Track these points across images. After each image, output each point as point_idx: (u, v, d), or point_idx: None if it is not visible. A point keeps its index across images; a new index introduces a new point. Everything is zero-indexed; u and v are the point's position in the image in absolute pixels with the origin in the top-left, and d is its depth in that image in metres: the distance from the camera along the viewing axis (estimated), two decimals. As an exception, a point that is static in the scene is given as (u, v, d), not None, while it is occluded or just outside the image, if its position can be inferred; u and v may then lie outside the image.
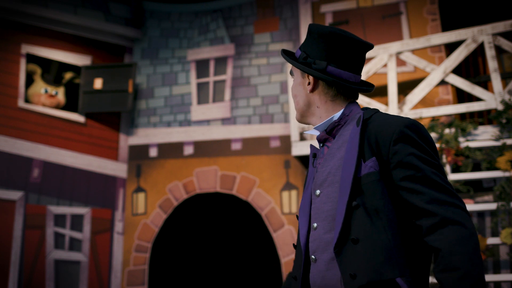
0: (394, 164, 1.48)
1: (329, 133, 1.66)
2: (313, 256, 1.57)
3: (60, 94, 6.30)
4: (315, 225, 1.59)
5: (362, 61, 1.68)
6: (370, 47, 1.69)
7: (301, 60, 1.67)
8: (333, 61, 1.63)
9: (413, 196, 1.45)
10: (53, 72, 6.32)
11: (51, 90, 6.23)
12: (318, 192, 1.61)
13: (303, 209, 1.67)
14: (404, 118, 1.53)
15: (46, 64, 6.31)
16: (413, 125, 1.51)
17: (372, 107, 5.07)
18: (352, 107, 1.67)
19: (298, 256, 1.66)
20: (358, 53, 1.66)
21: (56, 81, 6.34)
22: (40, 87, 6.19)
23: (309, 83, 1.68)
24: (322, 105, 1.68)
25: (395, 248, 1.44)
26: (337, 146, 1.61)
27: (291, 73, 1.75)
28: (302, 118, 1.75)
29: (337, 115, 1.65)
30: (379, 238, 1.45)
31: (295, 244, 1.72)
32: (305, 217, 1.65)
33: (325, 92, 1.67)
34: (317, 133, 1.70)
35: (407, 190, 1.46)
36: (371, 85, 1.72)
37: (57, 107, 6.25)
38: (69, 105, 6.38)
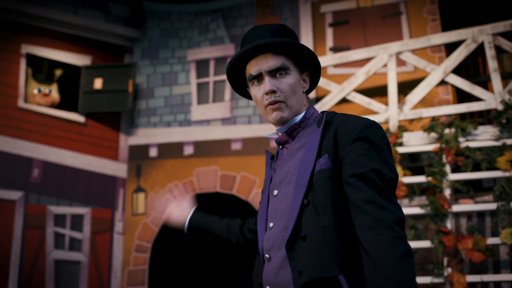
0: (346, 161, 1.47)
1: (289, 135, 1.64)
2: (267, 255, 1.57)
3: (54, 91, 6.29)
4: (271, 224, 1.58)
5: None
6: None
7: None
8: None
9: (353, 193, 1.43)
10: (44, 70, 6.32)
11: (44, 88, 6.23)
12: (275, 192, 1.60)
13: (260, 211, 1.66)
14: (364, 119, 1.51)
15: (36, 63, 6.31)
16: (371, 125, 1.49)
17: (371, 107, 5.07)
18: (312, 110, 1.67)
19: (259, 261, 1.65)
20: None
21: (47, 79, 6.33)
22: (33, 87, 6.18)
23: (304, 81, 1.68)
24: (306, 105, 1.69)
25: (340, 245, 1.43)
26: (296, 147, 1.61)
27: (283, 68, 1.62)
28: (290, 119, 1.64)
29: (298, 117, 1.64)
30: (325, 235, 1.44)
31: (257, 250, 1.71)
32: (262, 219, 1.63)
33: (305, 91, 1.70)
34: (275, 136, 1.70)
35: (351, 186, 1.44)
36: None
37: (53, 105, 6.24)
38: (64, 102, 6.38)
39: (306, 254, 1.45)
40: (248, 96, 1.79)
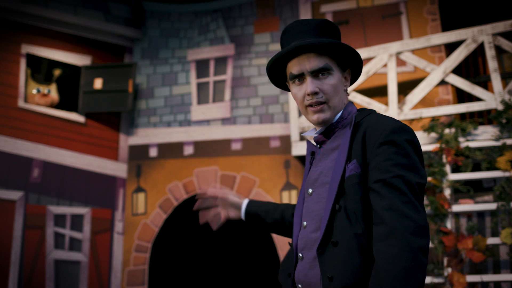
0: (372, 166, 1.44)
1: (325, 135, 1.62)
2: (300, 254, 1.57)
3: (53, 91, 6.29)
4: (305, 223, 1.58)
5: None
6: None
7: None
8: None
9: (376, 200, 1.41)
10: (43, 70, 6.32)
11: (44, 89, 6.23)
12: (310, 191, 1.59)
13: (297, 207, 1.67)
14: (393, 122, 1.47)
15: (36, 63, 6.31)
16: (401, 129, 1.45)
17: (371, 107, 5.07)
18: (351, 108, 1.63)
19: (291, 254, 1.66)
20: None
21: (46, 79, 6.33)
22: (32, 88, 6.19)
23: (345, 79, 1.64)
24: (343, 104, 1.64)
25: (371, 254, 1.42)
26: (331, 147, 1.59)
27: (325, 68, 1.57)
28: (327, 122, 1.61)
29: (336, 117, 1.61)
30: (357, 242, 1.43)
31: (289, 242, 1.72)
32: (298, 215, 1.64)
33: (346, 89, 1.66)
34: (313, 134, 1.67)
35: (375, 192, 1.42)
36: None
37: (52, 105, 6.25)
38: (64, 102, 6.38)
39: (337, 260, 1.44)
40: (286, 88, 1.75)
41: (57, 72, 6.40)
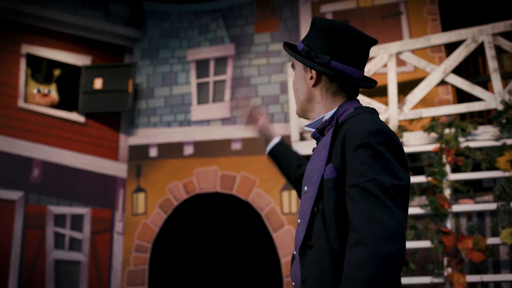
0: (348, 171, 1.42)
1: (320, 132, 1.62)
2: (294, 252, 1.59)
3: (53, 91, 6.29)
4: (298, 221, 1.60)
5: (365, 57, 1.63)
6: (374, 42, 1.63)
7: (303, 54, 1.62)
8: (337, 55, 1.57)
9: (350, 205, 1.39)
10: (43, 70, 6.32)
11: (44, 89, 6.23)
12: (305, 188, 1.60)
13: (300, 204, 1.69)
14: (373, 124, 1.44)
15: (36, 63, 6.31)
16: (378, 131, 1.41)
17: (371, 107, 5.06)
18: (347, 106, 1.61)
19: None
20: (362, 48, 1.60)
21: (46, 79, 6.33)
22: (32, 87, 6.19)
23: (311, 78, 1.63)
24: (322, 101, 1.63)
25: (342, 260, 1.41)
26: (322, 145, 1.58)
27: (293, 66, 1.70)
28: (302, 112, 1.70)
29: (329, 114, 1.61)
30: (329, 247, 1.42)
31: None
32: (298, 212, 1.66)
33: (327, 87, 1.62)
34: (312, 130, 1.68)
35: (349, 197, 1.39)
36: (374, 81, 1.65)
37: (52, 105, 6.25)
38: (63, 102, 6.38)
39: (311, 263, 1.45)
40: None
41: (57, 72, 6.40)
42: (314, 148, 1.67)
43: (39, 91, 6.17)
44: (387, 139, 1.41)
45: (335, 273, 1.39)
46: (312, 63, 1.59)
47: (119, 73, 6.38)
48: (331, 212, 1.44)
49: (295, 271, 1.55)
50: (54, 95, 6.30)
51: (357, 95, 1.66)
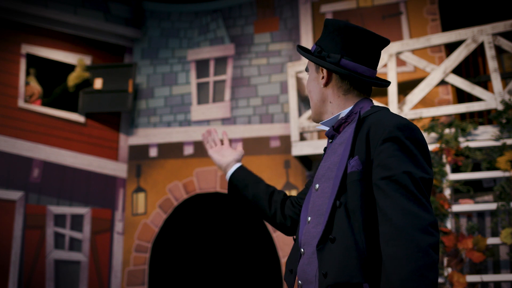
0: (376, 164, 1.44)
1: (336, 130, 1.63)
2: (302, 249, 1.58)
3: (33, 83, 6.23)
4: (309, 218, 1.59)
5: (377, 56, 1.64)
6: (387, 42, 1.64)
7: (315, 54, 1.65)
8: (348, 54, 1.59)
9: (381, 198, 1.40)
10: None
11: (30, 81, 6.22)
12: (317, 186, 1.60)
13: (305, 203, 1.67)
14: (399, 119, 1.47)
15: (40, 64, 6.32)
16: (405, 126, 1.45)
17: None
18: (362, 104, 1.62)
19: (295, 249, 1.67)
20: (373, 47, 1.62)
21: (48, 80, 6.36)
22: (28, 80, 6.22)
23: (322, 77, 1.65)
24: (334, 100, 1.64)
25: (367, 252, 1.42)
26: (339, 142, 1.60)
27: (307, 69, 1.73)
28: (317, 116, 1.69)
29: (345, 111, 1.62)
30: (353, 240, 1.43)
31: (294, 237, 1.73)
32: (304, 210, 1.65)
33: (338, 86, 1.63)
34: (326, 128, 1.68)
35: (380, 190, 1.41)
36: (387, 81, 1.66)
37: (33, 96, 6.18)
38: (64, 102, 6.40)
39: (333, 256, 1.44)
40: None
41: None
42: (326, 147, 1.69)
43: (27, 83, 6.15)
44: (414, 134, 1.44)
45: (361, 265, 1.40)
46: (323, 61, 1.61)
47: (119, 73, 6.38)
48: (357, 205, 1.44)
49: (305, 268, 1.54)
50: (34, 85, 6.22)
51: (370, 94, 1.67)
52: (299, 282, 1.57)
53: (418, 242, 1.31)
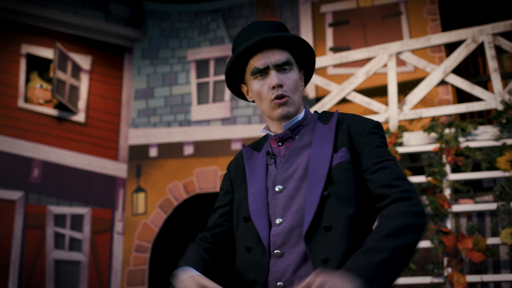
0: (364, 152, 1.55)
1: (292, 132, 1.64)
2: (278, 251, 1.53)
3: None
4: (278, 221, 1.56)
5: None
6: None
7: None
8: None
9: (383, 174, 1.50)
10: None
11: (46, 86, 6.23)
12: (279, 188, 1.59)
13: (255, 207, 1.61)
14: (372, 119, 1.63)
15: (41, 64, 6.31)
16: (380, 126, 1.63)
17: (371, 107, 5.07)
18: (307, 110, 1.71)
19: (255, 257, 1.59)
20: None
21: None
22: (35, 83, 6.19)
23: (300, 78, 1.68)
24: (301, 104, 1.70)
25: (366, 234, 1.48)
26: (300, 145, 1.62)
27: (288, 63, 1.62)
28: (290, 117, 1.65)
29: (301, 115, 1.66)
30: (353, 224, 1.48)
31: (247, 246, 1.63)
32: (262, 215, 1.59)
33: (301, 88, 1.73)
34: (269, 132, 1.69)
35: (378, 170, 1.51)
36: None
37: (51, 101, 6.22)
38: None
39: (331, 243, 1.46)
40: (238, 94, 1.77)
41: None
42: (271, 154, 1.66)
43: (41, 86, 6.17)
44: (385, 134, 1.65)
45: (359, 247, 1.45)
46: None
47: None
48: (351, 192, 1.51)
49: (295, 267, 1.51)
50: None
51: None
52: (279, 284, 1.52)
53: (422, 202, 1.48)
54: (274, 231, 1.56)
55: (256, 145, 1.79)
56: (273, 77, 1.59)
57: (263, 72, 1.62)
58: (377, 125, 1.61)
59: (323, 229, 1.48)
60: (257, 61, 1.62)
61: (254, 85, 1.65)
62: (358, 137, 1.57)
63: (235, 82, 1.74)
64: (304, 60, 1.71)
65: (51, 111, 6.21)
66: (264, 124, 6.13)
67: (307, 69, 1.74)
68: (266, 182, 1.63)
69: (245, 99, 1.77)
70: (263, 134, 1.75)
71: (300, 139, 1.63)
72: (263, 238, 1.57)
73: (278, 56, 1.60)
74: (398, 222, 1.40)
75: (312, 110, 4.84)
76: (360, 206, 1.51)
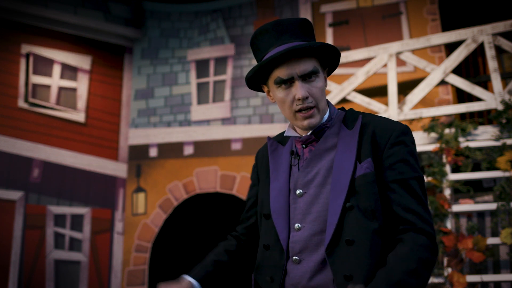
0: (386, 166, 1.50)
1: (315, 135, 1.60)
2: (296, 257, 1.53)
3: None
4: (297, 225, 1.54)
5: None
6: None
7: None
8: None
9: (396, 199, 1.48)
10: None
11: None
12: (299, 192, 1.57)
13: (276, 206, 1.60)
14: (400, 123, 1.55)
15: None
16: (408, 131, 1.54)
17: (371, 107, 5.07)
18: (332, 107, 1.64)
19: (273, 257, 1.60)
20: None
21: None
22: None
23: (325, 80, 1.62)
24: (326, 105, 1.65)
25: (386, 251, 1.46)
26: (324, 148, 1.57)
27: (316, 71, 1.56)
28: (318, 125, 1.60)
29: (325, 117, 1.60)
30: (376, 239, 1.45)
31: (266, 244, 1.64)
32: (283, 218, 1.58)
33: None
34: (295, 134, 1.64)
35: (393, 192, 1.48)
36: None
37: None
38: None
39: (354, 258, 1.43)
40: (260, 89, 1.71)
41: None
42: (295, 154, 1.63)
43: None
44: (413, 139, 1.56)
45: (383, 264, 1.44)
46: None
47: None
48: (376, 206, 1.47)
49: (311, 275, 1.50)
50: None
51: None
52: None
53: (432, 240, 1.45)
54: (293, 237, 1.54)
55: (282, 138, 1.74)
56: (299, 89, 1.52)
57: (288, 82, 1.55)
58: (404, 130, 1.52)
59: (345, 242, 1.45)
60: (282, 72, 1.54)
61: (278, 94, 1.57)
62: (382, 147, 1.51)
63: (256, 81, 1.68)
64: (328, 60, 1.64)
65: (51, 111, 6.21)
66: (265, 124, 6.13)
67: (331, 66, 1.67)
68: (288, 182, 1.61)
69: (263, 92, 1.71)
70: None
71: (323, 141, 1.58)
72: (282, 240, 1.56)
73: (303, 66, 1.53)
74: (423, 258, 1.41)
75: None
76: (383, 221, 1.47)
